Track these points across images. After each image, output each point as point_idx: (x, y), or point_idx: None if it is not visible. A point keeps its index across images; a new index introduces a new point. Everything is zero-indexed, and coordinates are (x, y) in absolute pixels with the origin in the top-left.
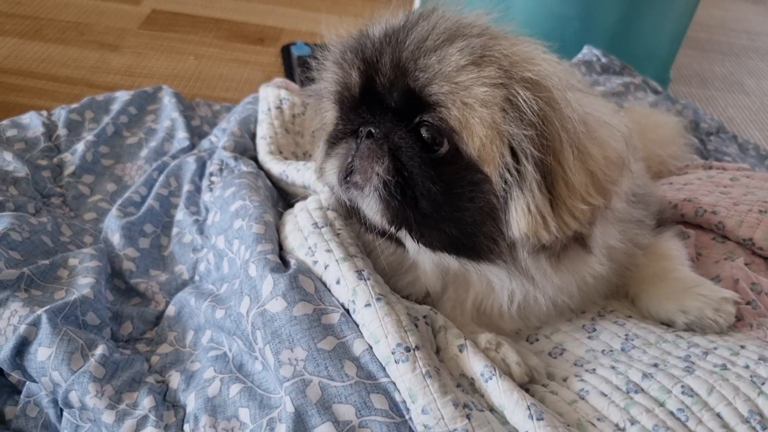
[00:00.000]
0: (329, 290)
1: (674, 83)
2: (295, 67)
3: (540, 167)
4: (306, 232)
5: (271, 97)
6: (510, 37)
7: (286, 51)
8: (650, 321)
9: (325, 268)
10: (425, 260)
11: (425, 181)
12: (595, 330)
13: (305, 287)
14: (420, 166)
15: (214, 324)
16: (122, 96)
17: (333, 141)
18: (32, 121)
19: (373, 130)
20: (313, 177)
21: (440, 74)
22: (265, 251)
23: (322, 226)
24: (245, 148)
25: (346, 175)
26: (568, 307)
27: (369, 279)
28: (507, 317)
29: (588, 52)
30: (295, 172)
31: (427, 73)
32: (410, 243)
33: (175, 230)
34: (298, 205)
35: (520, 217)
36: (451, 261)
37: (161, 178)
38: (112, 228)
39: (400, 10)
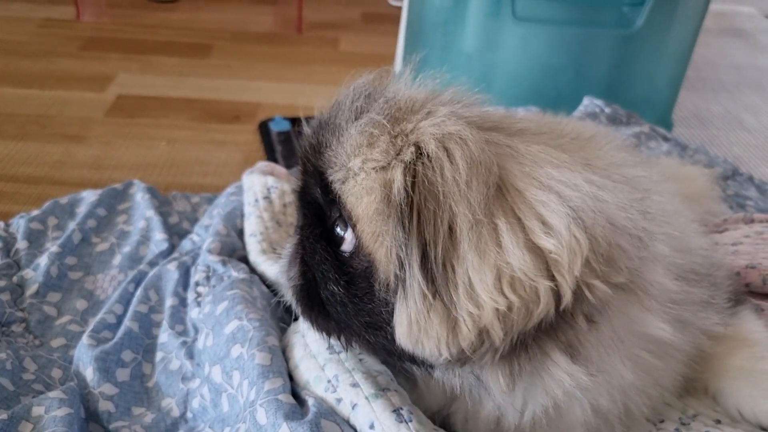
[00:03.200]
0: None
1: (675, 126)
2: (276, 144)
3: (426, 269)
4: (321, 360)
5: (258, 186)
6: (429, 109)
7: (264, 128)
8: (744, 425)
9: (353, 408)
10: None
11: (328, 283)
12: None
13: None
14: (322, 266)
15: None
16: (89, 197)
17: (292, 235)
18: None
19: (300, 226)
20: None
21: (338, 157)
22: (274, 390)
23: (340, 351)
24: (233, 249)
25: (284, 276)
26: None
27: (411, 420)
28: None
29: (589, 103)
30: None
31: (330, 156)
32: None
33: (159, 355)
34: (301, 321)
35: (398, 327)
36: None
37: (139, 291)
38: (84, 360)
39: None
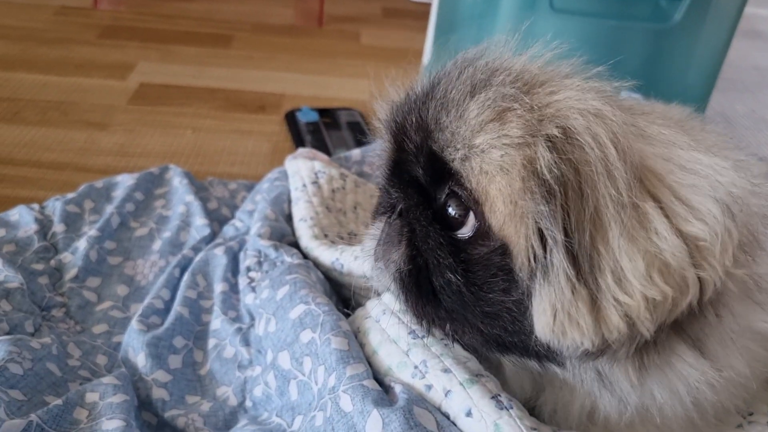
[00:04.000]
0: (455, 425)
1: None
2: (305, 134)
3: (571, 251)
4: (404, 345)
5: (305, 171)
6: (555, 82)
7: (291, 118)
8: None
9: (446, 394)
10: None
11: (444, 271)
12: None
13: (426, 425)
14: (437, 251)
15: None
16: (125, 180)
17: (373, 217)
18: (22, 217)
19: (403, 207)
20: None
21: (458, 135)
22: (358, 375)
23: (423, 336)
24: (283, 234)
25: (376, 259)
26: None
27: (512, 407)
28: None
29: (627, 97)
30: (351, 260)
31: (445, 134)
32: None
33: (212, 342)
34: (373, 305)
35: (540, 315)
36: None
37: (186, 276)
38: (135, 346)
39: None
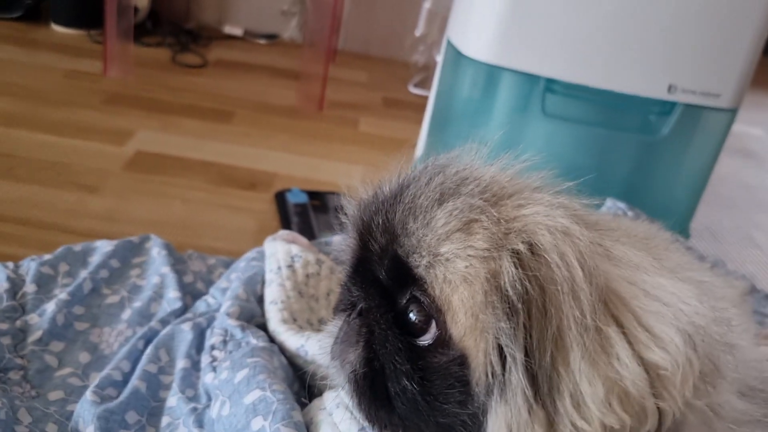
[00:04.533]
0: None
1: (690, 238)
2: (292, 215)
3: (530, 371)
4: None
5: (281, 253)
6: (524, 195)
7: (281, 198)
8: None
9: None
10: None
11: (401, 377)
12: None
13: None
14: (395, 356)
15: None
16: (104, 246)
17: (333, 313)
18: None
19: (364, 306)
20: None
21: (423, 242)
22: None
23: None
24: (252, 315)
25: (332, 358)
26: None
27: None
28: None
29: (612, 205)
30: (317, 347)
31: (411, 239)
32: None
33: (165, 420)
34: (329, 397)
35: (494, 431)
36: None
37: (149, 350)
38: (86, 418)
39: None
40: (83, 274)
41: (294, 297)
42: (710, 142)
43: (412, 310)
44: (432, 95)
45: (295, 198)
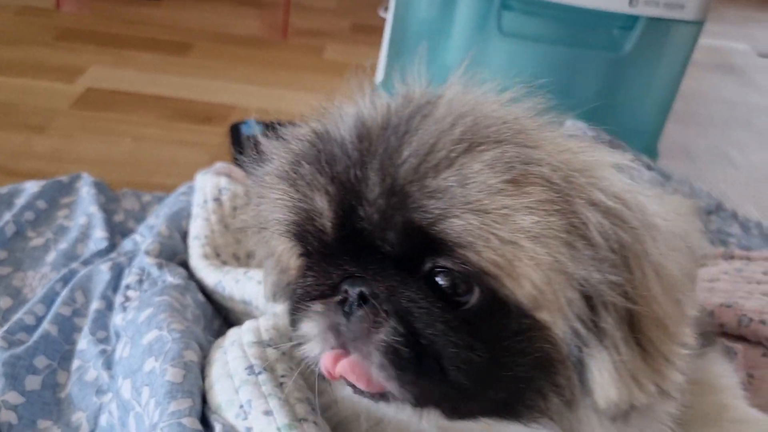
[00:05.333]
0: None
1: (660, 158)
2: (246, 148)
3: (626, 316)
4: (237, 381)
5: (209, 186)
6: (548, 136)
7: (235, 130)
8: None
9: None
10: (429, 425)
11: (458, 349)
12: None
13: None
14: (445, 329)
15: None
16: (31, 188)
17: (303, 299)
18: None
19: (365, 291)
20: (256, 290)
21: (463, 201)
22: (179, 412)
23: (259, 372)
24: (174, 252)
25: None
26: None
27: None
28: None
29: (572, 126)
30: (233, 284)
31: (442, 201)
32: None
33: (76, 363)
34: (230, 335)
35: (608, 383)
36: (474, 425)
37: (64, 291)
38: None
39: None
40: (6, 216)
41: (219, 231)
42: (676, 57)
43: (439, 277)
44: (389, 17)
45: (249, 130)
